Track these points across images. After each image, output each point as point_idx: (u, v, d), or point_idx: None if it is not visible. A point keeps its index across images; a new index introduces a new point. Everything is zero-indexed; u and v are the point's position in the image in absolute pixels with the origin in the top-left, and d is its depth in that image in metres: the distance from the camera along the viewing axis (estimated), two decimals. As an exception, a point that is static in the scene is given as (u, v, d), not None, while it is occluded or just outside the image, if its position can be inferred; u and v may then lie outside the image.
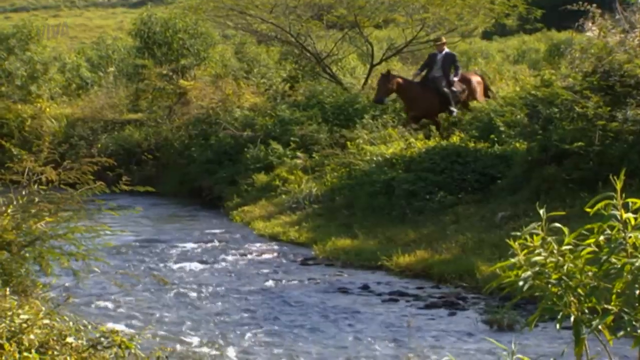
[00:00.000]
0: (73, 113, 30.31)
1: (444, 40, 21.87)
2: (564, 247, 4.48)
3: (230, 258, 16.05)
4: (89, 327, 7.27)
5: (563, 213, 5.13)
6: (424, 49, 28.04)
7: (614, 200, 4.34)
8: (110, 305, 12.38)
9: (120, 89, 31.48)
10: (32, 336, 6.75)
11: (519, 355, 4.64)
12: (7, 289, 7.54)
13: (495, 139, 18.45)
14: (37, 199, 8.74)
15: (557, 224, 4.55)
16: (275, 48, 31.78)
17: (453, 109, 20.75)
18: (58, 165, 9.19)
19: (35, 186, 8.97)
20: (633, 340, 4.33)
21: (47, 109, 29.87)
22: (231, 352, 10.22)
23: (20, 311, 7.05)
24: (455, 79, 20.98)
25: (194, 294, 13.16)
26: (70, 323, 7.23)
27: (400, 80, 20.84)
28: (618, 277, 4.30)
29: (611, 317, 4.33)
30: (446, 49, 21.43)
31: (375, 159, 18.97)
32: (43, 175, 9.03)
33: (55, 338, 6.87)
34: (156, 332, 10.81)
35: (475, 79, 21.58)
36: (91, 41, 43.91)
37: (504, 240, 5.14)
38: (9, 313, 6.93)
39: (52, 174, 9.00)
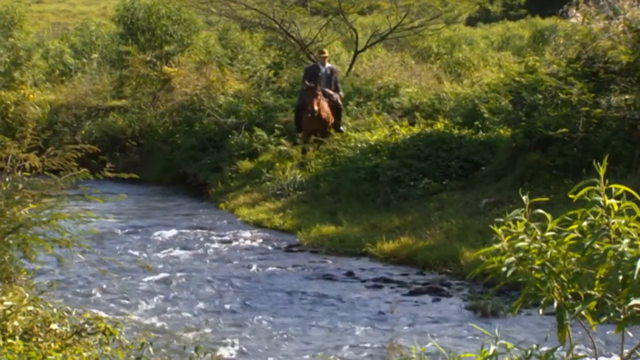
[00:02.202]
0: (56, 99, 30.13)
1: (326, 53, 21.45)
2: (547, 233, 4.49)
3: (214, 245, 16.03)
4: (73, 313, 7.26)
5: (547, 199, 5.16)
6: (408, 35, 28.04)
7: (598, 187, 4.35)
8: (94, 291, 12.36)
9: (104, 76, 31.32)
10: (16, 323, 6.74)
11: (503, 341, 4.66)
12: (-9, 276, 7.53)
13: (480, 125, 18.48)
14: (20, 186, 8.71)
15: (541, 210, 4.56)
16: (259, 34, 31.66)
17: (343, 127, 20.51)
18: (41, 152, 9.15)
19: (19, 173, 8.93)
20: (616, 326, 4.36)
21: (31, 96, 29.65)
22: (215, 338, 10.22)
23: (4, 298, 7.04)
24: (342, 94, 20.77)
25: (178, 281, 13.14)
26: (55, 309, 7.22)
27: (319, 92, 20.25)
28: (601, 262, 4.32)
29: (594, 303, 4.35)
30: (328, 63, 21.14)
31: (359, 145, 18.96)
32: (26, 162, 8.99)
33: (39, 324, 6.86)
34: (140, 319, 10.80)
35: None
36: (74, 27, 43.59)
37: (488, 226, 5.16)
38: (-7, 300, 6.92)
39: (35, 161, 8.97)
